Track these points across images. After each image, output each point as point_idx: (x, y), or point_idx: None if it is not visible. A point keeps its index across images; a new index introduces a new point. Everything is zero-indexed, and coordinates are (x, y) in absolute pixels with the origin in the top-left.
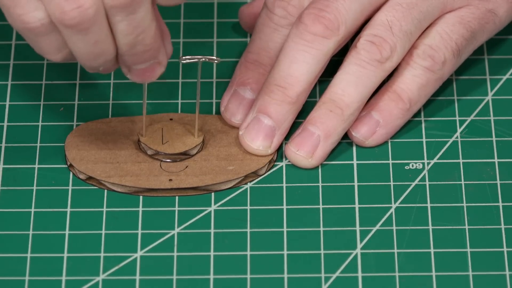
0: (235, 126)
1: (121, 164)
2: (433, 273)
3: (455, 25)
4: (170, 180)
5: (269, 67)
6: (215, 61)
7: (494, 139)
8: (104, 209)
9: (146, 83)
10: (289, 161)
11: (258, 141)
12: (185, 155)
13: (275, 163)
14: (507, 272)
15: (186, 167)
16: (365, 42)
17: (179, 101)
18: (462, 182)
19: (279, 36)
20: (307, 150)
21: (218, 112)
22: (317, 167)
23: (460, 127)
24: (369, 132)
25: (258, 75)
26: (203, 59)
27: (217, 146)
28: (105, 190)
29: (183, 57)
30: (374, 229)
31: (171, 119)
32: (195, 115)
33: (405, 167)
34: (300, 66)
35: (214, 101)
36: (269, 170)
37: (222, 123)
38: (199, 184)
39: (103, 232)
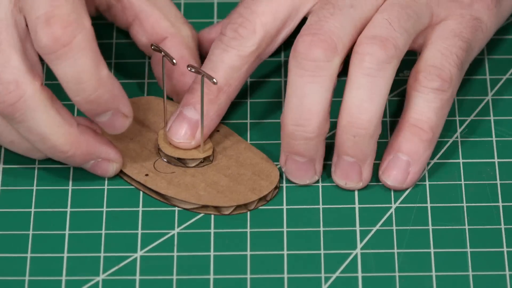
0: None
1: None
2: (433, 273)
3: (450, 39)
4: (146, 175)
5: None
6: (214, 81)
7: (494, 139)
8: (104, 209)
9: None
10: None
11: (303, 179)
12: (181, 162)
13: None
14: (507, 272)
15: (172, 173)
16: (367, 46)
17: None
18: (462, 182)
19: (228, 56)
20: (353, 179)
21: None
22: None
23: (460, 127)
24: (403, 176)
25: None
26: (205, 74)
27: (214, 171)
28: (105, 190)
29: (190, 65)
30: (374, 229)
31: (217, 131)
32: (238, 136)
33: None
34: (311, 99)
35: None
36: (235, 213)
37: (232, 151)
38: (166, 191)
39: (103, 232)
